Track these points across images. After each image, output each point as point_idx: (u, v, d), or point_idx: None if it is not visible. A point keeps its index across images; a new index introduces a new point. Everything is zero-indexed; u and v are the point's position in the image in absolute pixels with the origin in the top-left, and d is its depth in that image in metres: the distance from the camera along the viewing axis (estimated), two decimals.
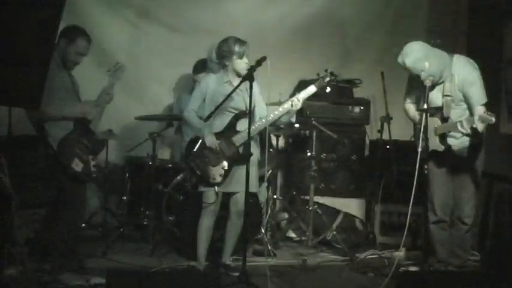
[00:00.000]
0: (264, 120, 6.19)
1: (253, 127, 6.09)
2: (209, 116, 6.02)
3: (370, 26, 8.33)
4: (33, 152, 6.40)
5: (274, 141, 7.49)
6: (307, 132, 7.56)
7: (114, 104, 7.25)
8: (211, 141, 6.19)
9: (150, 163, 7.28)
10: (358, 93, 8.12)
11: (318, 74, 6.26)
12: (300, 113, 7.54)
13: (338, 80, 7.90)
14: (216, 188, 6.21)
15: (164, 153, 8.06)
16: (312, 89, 6.18)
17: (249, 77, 5.83)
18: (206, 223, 6.32)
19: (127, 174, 7.76)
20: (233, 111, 6.22)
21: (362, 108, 7.99)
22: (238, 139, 6.21)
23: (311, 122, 7.32)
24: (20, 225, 6.45)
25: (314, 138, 7.41)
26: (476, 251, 6.93)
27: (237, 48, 6.16)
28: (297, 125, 7.73)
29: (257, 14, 8.23)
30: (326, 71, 6.23)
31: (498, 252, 6.39)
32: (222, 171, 6.20)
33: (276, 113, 6.19)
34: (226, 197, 6.35)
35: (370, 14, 8.32)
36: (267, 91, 6.11)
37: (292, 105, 6.14)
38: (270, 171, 7.43)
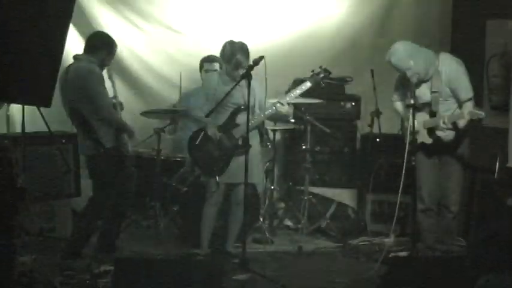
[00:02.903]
0: (256, 118, 6.26)
1: (252, 122, 6.12)
2: (211, 112, 6.05)
3: (361, 27, 8.33)
4: (47, 148, 6.45)
5: (271, 136, 7.50)
6: (302, 127, 7.57)
7: None
8: (213, 131, 6.21)
9: (155, 157, 7.29)
10: (349, 90, 8.12)
11: (312, 71, 6.33)
12: (295, 109, 7.58)
13: (331, 77, 7.95)
14: (217, 178, 6.22)
15: (167, 148, 8.04)
16: (307, 85, 6.25)
17: (247, 75, 5.87)
18: (209, 212, 6.34)
19: (133, 168, 7.78)
20: (233, 106, 6.23)
21: (353, 104, 8.00)
22: (237, 132, 6.23)
23: (306, 117, 7.34)
24: (34, 216, 6.51)
25: (309, 132, 7.42)
26: (462, 238, 6.95)
27: (236, 58, 6.12)
28: (292, 120, 7.75)
29: (254, 16, 8.22)
30: (320, 67, 6.32)
31: (482, 239, 6.42)
32: (223, 162, 6.22)
33: (264, 114, 6.30)
34: (230, 188, 6.36)
35: (360, 16, 8.31)
36: (263, 89, 6.11)
37: (275, 109, 6.22)
38: (268, 163, 7.45)
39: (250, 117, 6.04)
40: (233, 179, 6.27)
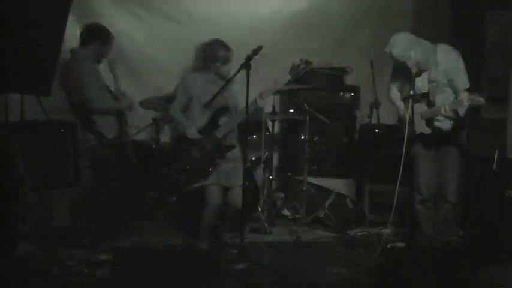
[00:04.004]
0: (237, 117, 6.12)
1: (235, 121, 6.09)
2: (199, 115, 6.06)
3: (360, 17, 8.32)
4: (47, 137, 6.46)
5: (270, 126, 7.48)
6: (301, 117, 7.56)
7: None
8: (192, 133, 6.09)
9: (154, 146, 7.27)
10: (348, 80, 8.11)
11: (292, 64, 6.01)
12: (295, 98, 7.56)
13: (331, 67, 7.93)
14: (204, 181, 6.11)
15: (167, 137, 8.03)
16: (287, 78, 5.98)
17: (245, 66, 5.74)
18: (208, 215, 6.19)
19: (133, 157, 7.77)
20: (215, 108, 6.09)
21: (352, 94, 8.00)
22: (219, 132, 6.11)
23: (304, 107, 7.32)
24: (33, 206, 6.49)
25: (307, 122, 7.41)
26: (460, 229, 6.94)
27: (221, 54, 6.03)
28: (291, 111, 7.74)
29: (254, 5, 8.20)
30: (301, 59, 6.00)
31: (480, 230, 6.42)
32: (208, 165, 6.12)
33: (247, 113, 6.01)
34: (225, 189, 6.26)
35: (359, 6, 8.30)
36: (262, 79, 6.08)
37: (256, 105, 6.00)
38: (266, 153, 7.44)
39: (230, 117, 6.05)
40: (223, 183, 6.14)
